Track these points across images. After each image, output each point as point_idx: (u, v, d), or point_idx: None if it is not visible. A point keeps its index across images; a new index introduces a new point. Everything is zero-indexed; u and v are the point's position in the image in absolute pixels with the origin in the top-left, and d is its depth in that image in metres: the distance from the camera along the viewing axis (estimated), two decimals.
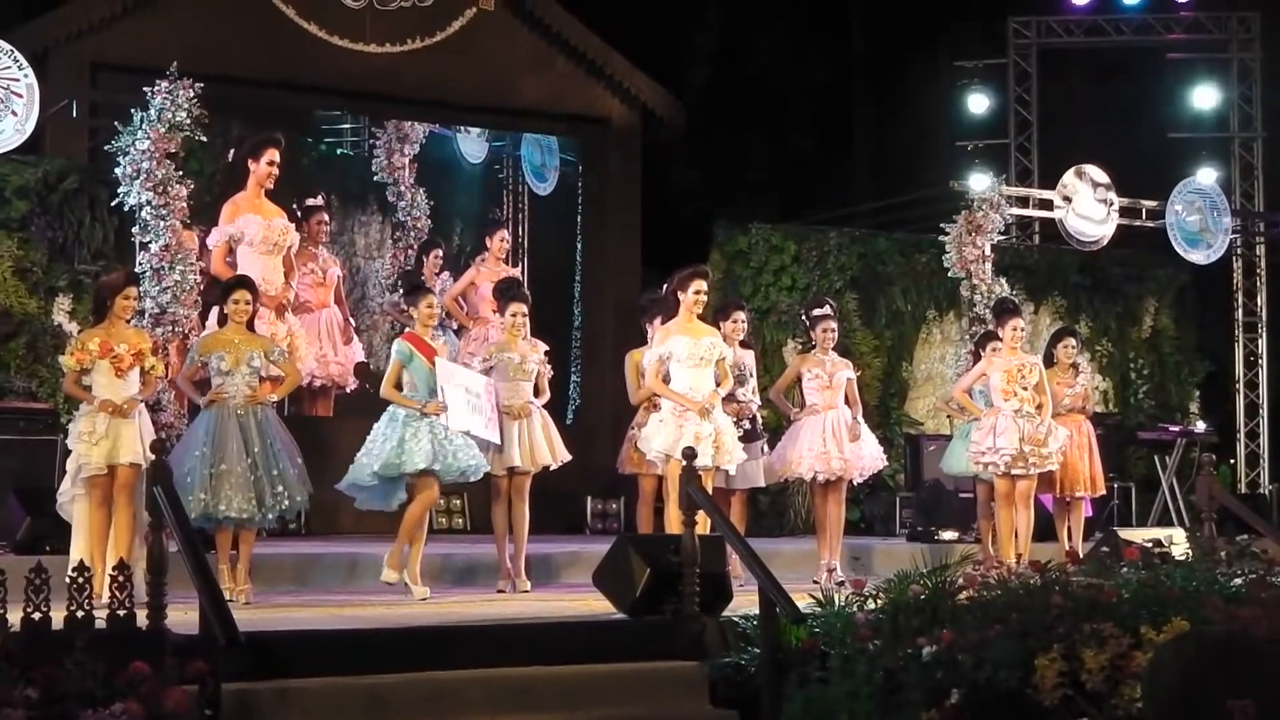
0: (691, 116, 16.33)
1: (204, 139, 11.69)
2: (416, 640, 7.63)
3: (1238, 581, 7.41)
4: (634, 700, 7.36)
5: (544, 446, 10.14)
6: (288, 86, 14.34)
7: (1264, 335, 18.79)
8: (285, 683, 6.92)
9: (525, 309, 10.37)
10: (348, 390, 13.05)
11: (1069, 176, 15.32)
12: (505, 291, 10.69)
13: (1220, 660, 5.01)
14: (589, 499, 14.71)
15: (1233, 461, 18.65)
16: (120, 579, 6.60)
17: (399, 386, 9.86)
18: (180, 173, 11.39)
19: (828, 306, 11.44)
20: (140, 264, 11.15)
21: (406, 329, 10.38)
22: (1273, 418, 18.95)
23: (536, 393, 10.28)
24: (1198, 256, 16.05)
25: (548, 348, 10.58)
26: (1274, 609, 6.36)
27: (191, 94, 11.23)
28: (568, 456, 10.34)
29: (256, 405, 9.25)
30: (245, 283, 9.63)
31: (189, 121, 11.27)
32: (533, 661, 7.50)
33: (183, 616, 6.94)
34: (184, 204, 11.32)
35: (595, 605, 8.61)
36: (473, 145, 16.99)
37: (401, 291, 10.88)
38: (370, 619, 8.38)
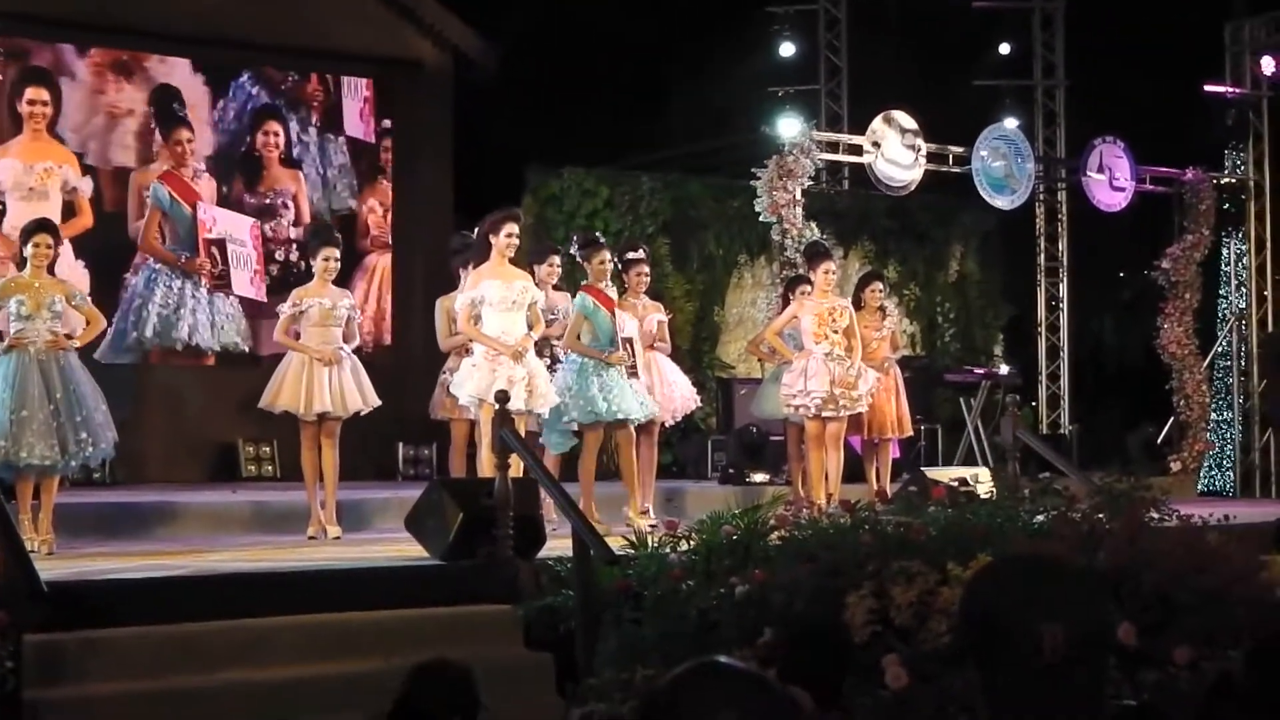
0: (506, 61, 16.21)
1: None
2: (228, 588, 7.52)
3: (1041, 518, 7.57)
4: (449, 644, 7.29)
5: (354, 392, 10.04)
6: (100, 29, 14.07)
7: (1065, 280, 19.20)
8: (92, 633, 6.78)
9: (337, 253, 10.26)
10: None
11: (877, 122, 15.47)
12: (317, 235, 10.57)
13: (1030, 586, 5.11)
14: (400, 445, 14.66)
15: (1035, 403, 19.07)
16: None
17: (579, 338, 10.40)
18: None
19: (641, 250, 11.47)
20: None
21: (582, 281, 10.73)
22: (1073, 361, 19.39)
23: (346, 339, 10.18)
24: (1002, 202, 16.33)
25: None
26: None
27: None
28: (378, 402, 10.24)
29: (59, 350, 9.02)
30: (45, 225, 9.39)
31: None
32: (347, 607, 7.44)
33: None
34: None
35: (408, 550, 8.56)
36: None
37: (577, 244, 10.94)
38: (180, 567, 8.24)
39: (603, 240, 11.11)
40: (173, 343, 14.48)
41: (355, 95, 15.68)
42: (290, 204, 15.01)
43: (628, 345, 10.52)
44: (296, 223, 15.01)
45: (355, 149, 15.64)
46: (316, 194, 15.36)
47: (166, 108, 14.66)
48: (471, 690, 4.70)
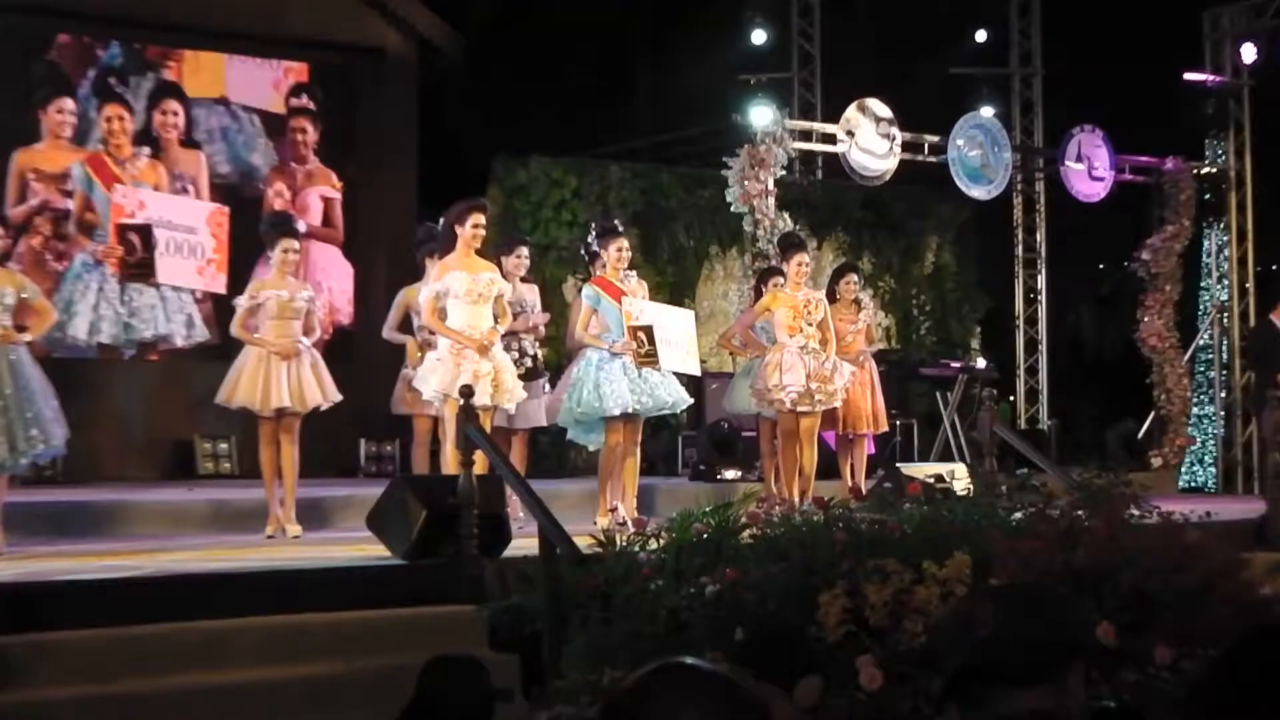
0: (472, 49, 16.15)
1: None
2: (184, 589, 7.49)
3: (1018, 515, 7.55)
4: (411, 646, 7.28)
5: (314, 387, 10.00)
6: (46, 11, 13.94)
7: (1043, 272, 19.23)
8: (42, 636, 6.74)
9: (296, 244, 10.24)
10: None
11: (852, 111, 15.45)
12: (275, 226, 10.52)
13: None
14: (362, 441, 14.60)
15: (1012, 398, 19.10)
16: None
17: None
18: None
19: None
20: None
21: (594, 274, 10.84)
22: (1051, 354, 19.43)
23: (306, 331, 10.14)
24: (979, 192, 16.33)
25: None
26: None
27: None
28: (338, 397, 10.22)
29: (8, 345, 8.96)
30: None
31: None
32: (307, 609, 7.40)
33: None
34: None
35: (370, 550, 8.53)
36: None
37: (594, 233, 10.91)
38: (134, 568, 8.19)
39: (621, 228, 11.05)
40: (96, 336, 14.19)
41: (271, 69, 15.40)
42: (190, 188, 14.68)
43: (640, 334, 10.44)
44: None
45: (268, 125, 15.35)
46: (220, 176, 15.00)
47: (102, 84, 14.45)
48: (483, 681, 4.71)
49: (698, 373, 11.68)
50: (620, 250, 10.65)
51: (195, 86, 15.08)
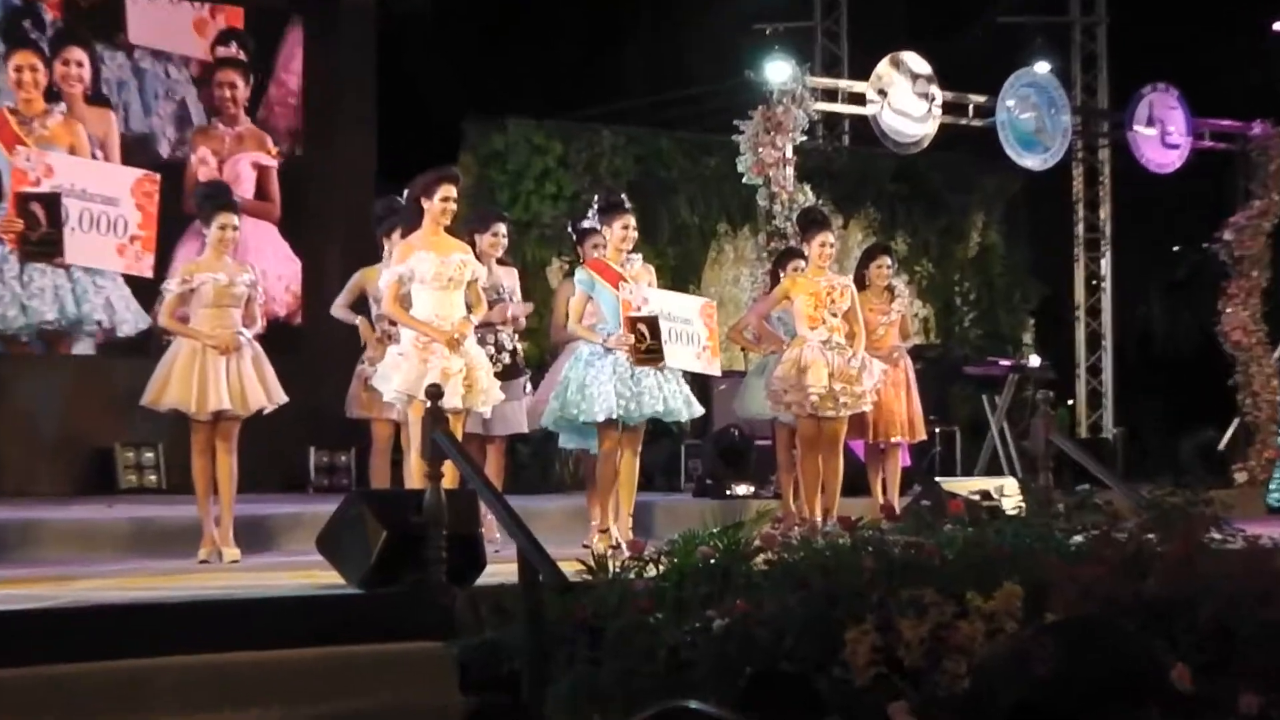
0: None
1: None
2: (102, 622, 7.47)
3: (1079, 538, 7.57)
4: (367, 691, 7.30)
5: (256, 386, 10.01)
6: None
7: (1108, 254, 19.26)
8: None
9: (236, 220, 10.22)
10: None
11: (884, 66, 15.47)
12: (211, 198, 10.48)
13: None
14: (311, 450, 14.62)
15: (1071, 402, 19.15)
16: None
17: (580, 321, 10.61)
18: None
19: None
20: None
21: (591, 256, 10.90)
22: (1117, 350, 19.45)
23: (247, 321, 10.14)
24: (1033, 161, 16.35)
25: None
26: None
27: None
28: (284, 398, 10.23)
29: None
30: None
31: None
32: (247, 646, 7.39)
33: None
34: None
35: (321, 576, 8.54)
36: None
37: (596, 207, 10.93)
38: (43, 598, 8.19)
39: (628, 204, 11.05)
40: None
41: (191, 8, 15.29)
42: (99, 153, 14.48)
43: (641, 327, 10.42)
44: None
45: (189, 77, 15.24)
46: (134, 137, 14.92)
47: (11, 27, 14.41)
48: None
49: (718, 373, 11.70)
50: (627, 229, 10.66)
51: (90, 28, 14.91)
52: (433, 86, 18.57)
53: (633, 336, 10.41)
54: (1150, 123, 16.94)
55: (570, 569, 7.52)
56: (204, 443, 10.01)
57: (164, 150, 15.18)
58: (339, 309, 11.38)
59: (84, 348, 14.60)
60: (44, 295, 14.29)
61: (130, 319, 14.58)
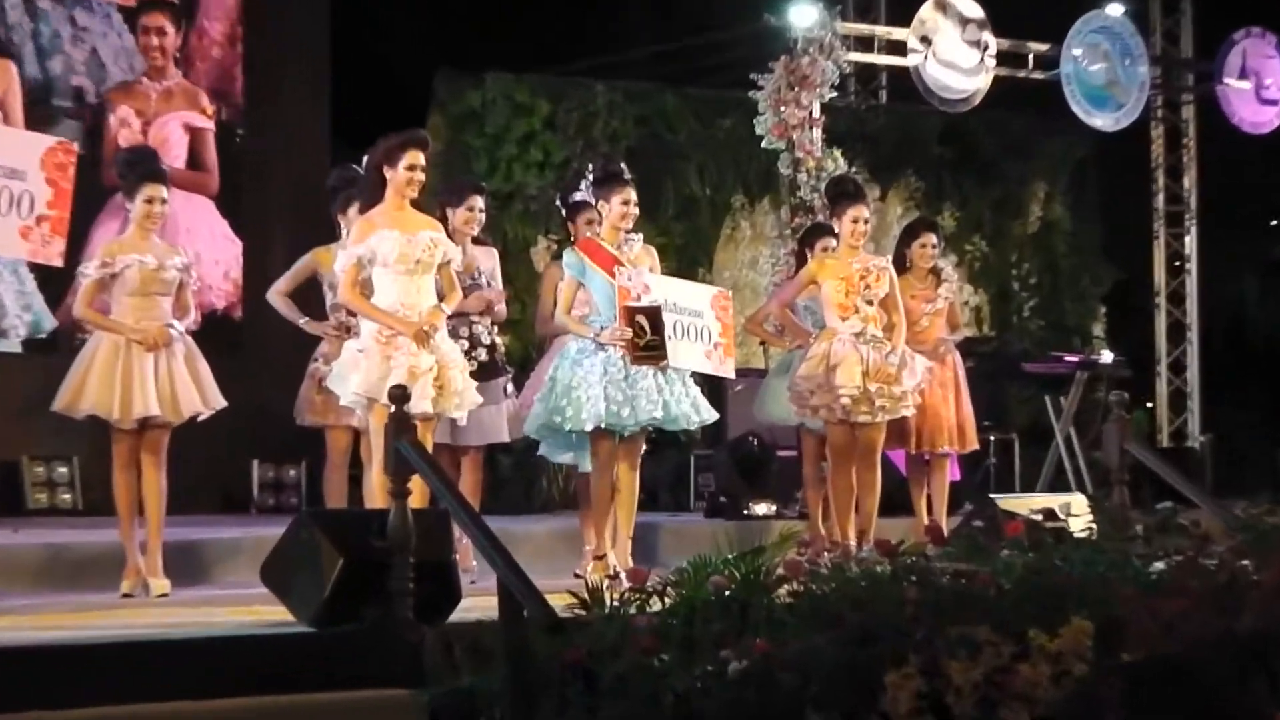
0: None
1: None
2: (7, 666, 7.48)
3: (1159, 565, 7.57)
4: None
5: (190, 388, 10.01)
6: None
7: (1192, 231, 19.25)
8: None
9: (164, 193, 10.20)
10: None
11: (927, 10, 15.50)
12: (134, 166, 10.43)
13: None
14: (255, 463, 14.65)
15: (1151, 404, 19.15)
16: None
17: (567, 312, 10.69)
18: None
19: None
20: None
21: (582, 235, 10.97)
22: (1204, 344, 19.44)
23: (179, 312, 10.14)
24: (1104, 120, 16.38)
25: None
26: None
27: None
28: (223, 403, 10.22)
29: None
30: None
31: None
32: (175, 695, 7.40)
33: None
34: None
35: (266, 612, 8.55)
36: None
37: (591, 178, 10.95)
38: None
39: (628, 174, 11.05)
40: None
41: None
42: None
43: (640, 320, 10.42)
44: None
45: (104, 22, 15.09)
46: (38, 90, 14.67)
47: None
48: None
49: (731, 375, 11.68)
50: (626, 204, 10.68)
51: None
52: (397, 36, 18.60)
53: (630, 330, 10.40)
54: (1244, 74, 16.98)
55: (560, 602, 7.52)
56: (128, 455, 9.99)
57: (75, 109, 15.02)
58: (276, 296, 11.22)
59: None
60: None
61: (20, 323, 14.40)
